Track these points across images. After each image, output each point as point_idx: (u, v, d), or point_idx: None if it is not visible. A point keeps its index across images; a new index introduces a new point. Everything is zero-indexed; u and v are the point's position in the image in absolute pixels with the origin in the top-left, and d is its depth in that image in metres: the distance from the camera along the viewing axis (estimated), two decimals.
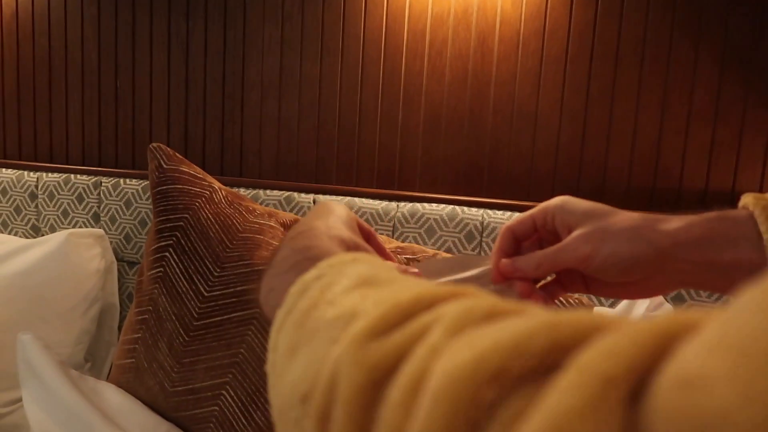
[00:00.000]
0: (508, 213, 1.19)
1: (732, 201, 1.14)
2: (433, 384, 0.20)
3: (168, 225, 0.96)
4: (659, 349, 0.17)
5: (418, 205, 1.24)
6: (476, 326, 0.22)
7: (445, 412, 0.19)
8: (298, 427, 0.26)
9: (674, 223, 0.48)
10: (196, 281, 0.93)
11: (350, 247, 0.41)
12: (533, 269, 0.50)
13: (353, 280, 0.30)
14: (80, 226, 1.39)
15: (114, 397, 0.93)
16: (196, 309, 0.91)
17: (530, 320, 0.20)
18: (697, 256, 0.46)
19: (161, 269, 0.95)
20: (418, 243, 1.19)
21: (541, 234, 0.54)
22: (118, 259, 1.38)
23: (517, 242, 0.54)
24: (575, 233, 0.49)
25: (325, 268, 0.33)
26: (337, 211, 0.45)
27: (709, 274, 0.46)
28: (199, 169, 1.05)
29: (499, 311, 0.23)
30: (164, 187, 0.99)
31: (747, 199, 0.46)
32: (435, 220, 1.21)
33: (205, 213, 0.97)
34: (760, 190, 1.14)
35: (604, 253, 0.47)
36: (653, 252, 0.46)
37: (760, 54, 1.12)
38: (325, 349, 0.26)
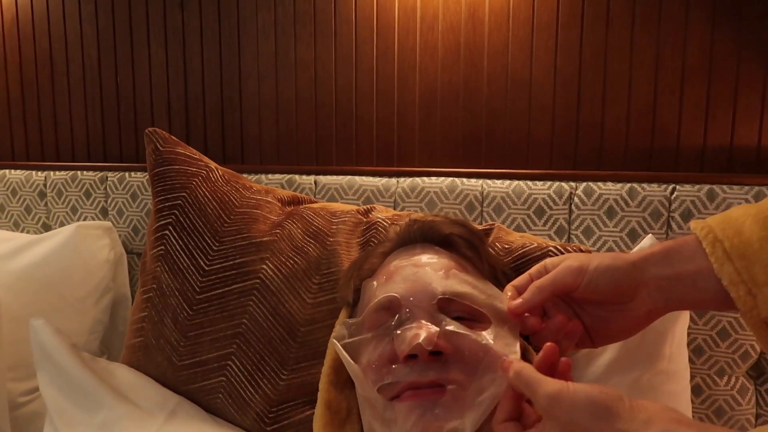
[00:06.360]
0: (508, 182, 1.19)
1: (730, 157, 1.14)
2: None
3: (167, 204, 0.98)
4: None
5: (417, 179, 1.24)
6: None
7: None
8: None
9: (637, 251, 0.61)
10: (197, 256, 0.94)
11: None
12: (537, 294, 0.60)
13: None
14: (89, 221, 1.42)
15: (126, 375, 0.95)
16: (198, 283, 0.93)
17: None
18: (663, 270, 0.57)
19: (162, 247, 0.97)
20: None
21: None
22: (127, 251, 1.40)
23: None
24: (565, 262, 0.61)
25: None
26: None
27: (681, 287, 0.56)
28: (195, 150, 1.07)
29: None
30: (161, 169, 1.01)
31: (695, 226, 0.57)
32: (435, 193, 1.22)
33: (203, 191, 0.99)
34: (758, 145, 1.13)
35: (592, 265, 0.59)
36: (627, 265, 0.58)
37: (751, 8, 1.11)
38: None
